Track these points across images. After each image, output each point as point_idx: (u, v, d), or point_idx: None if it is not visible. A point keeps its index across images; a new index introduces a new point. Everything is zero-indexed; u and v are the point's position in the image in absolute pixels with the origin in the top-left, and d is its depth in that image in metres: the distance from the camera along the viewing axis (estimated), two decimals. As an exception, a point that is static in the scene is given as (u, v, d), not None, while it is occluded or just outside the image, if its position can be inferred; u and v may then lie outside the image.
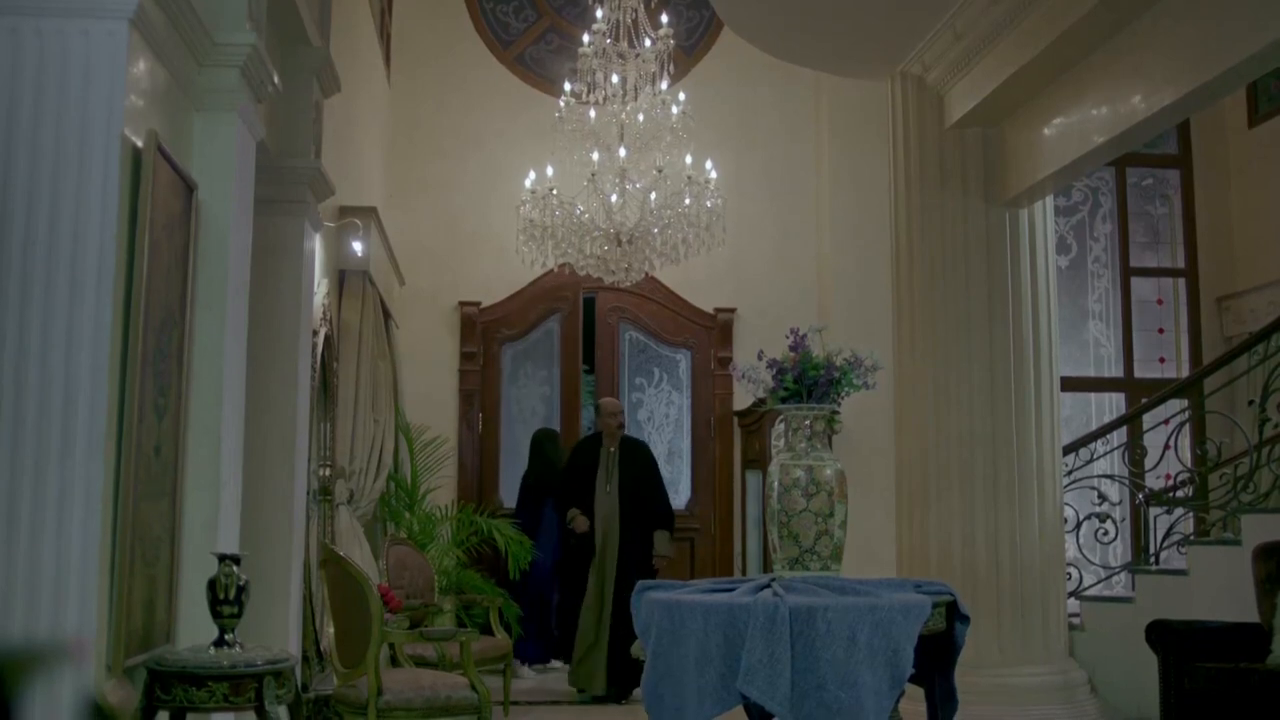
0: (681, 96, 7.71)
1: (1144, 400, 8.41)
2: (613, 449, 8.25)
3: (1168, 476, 7.99)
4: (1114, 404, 10.08)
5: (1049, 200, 7.31)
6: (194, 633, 4.01)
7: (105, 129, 3.52)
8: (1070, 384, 9.10)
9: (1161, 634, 6.08)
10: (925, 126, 7.22)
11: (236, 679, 3.62)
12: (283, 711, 3.75)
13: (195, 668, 3.61)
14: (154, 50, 3.85)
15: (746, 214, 9.90)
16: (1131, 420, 8.23)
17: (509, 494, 9.86)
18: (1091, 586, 7.82)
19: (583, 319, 10.30)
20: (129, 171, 3.63)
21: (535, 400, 10.23)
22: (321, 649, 6.32)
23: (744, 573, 9.61)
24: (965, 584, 6.34)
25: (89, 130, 3.51)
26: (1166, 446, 7.74)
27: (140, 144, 3.70)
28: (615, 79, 7.58)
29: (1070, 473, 7.69)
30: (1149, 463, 7.91)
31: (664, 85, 7.64)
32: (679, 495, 10.15)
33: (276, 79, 4.74)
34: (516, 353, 10.27)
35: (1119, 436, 8.27)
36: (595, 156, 7.58)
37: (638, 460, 8.27)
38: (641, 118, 7.61)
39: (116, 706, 1.19)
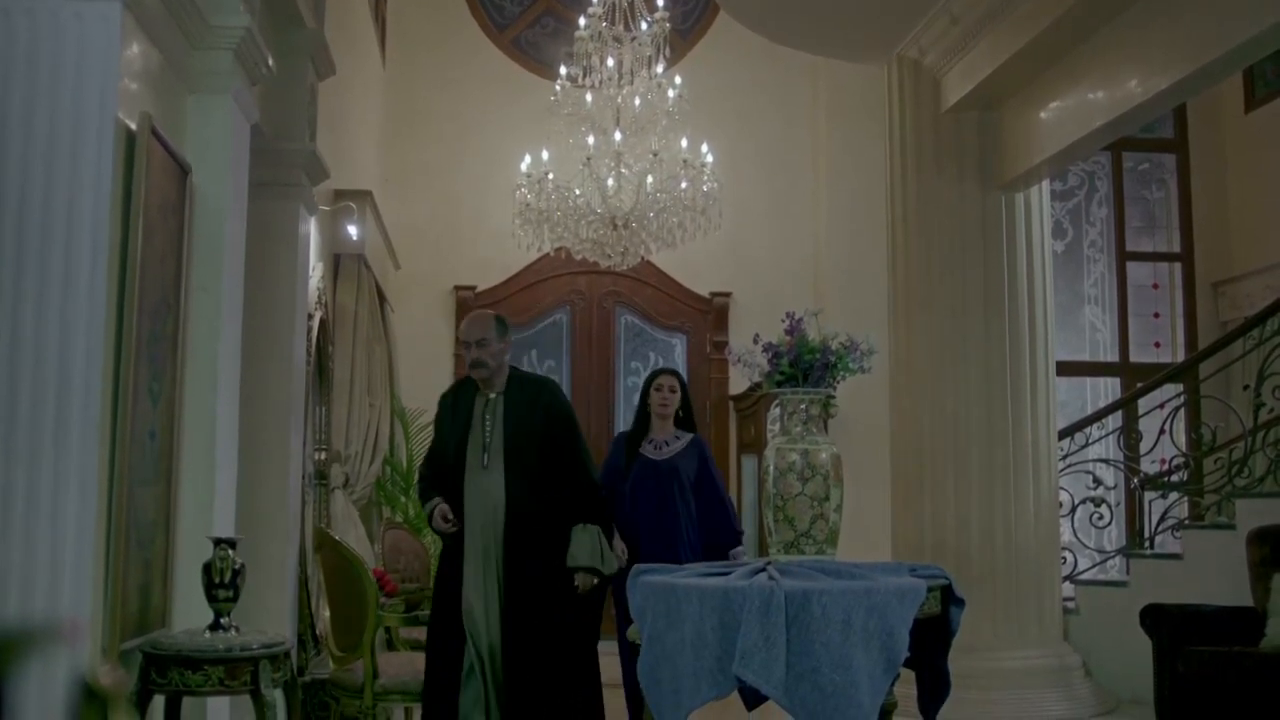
0: (678, 80, 7.69)
1: (1139, 385, 8.42)
2: (492, 396, 5.01)
3: (1163, 461, 8.01)
4: (1109, 388, 10.10)
5: (1045, 184, 7.30)
6: (190, 617, 4.01)
7: (99, 111, 3.51)
8: (1066, 368, 9.11)
9: (1156, 618, 6.10)
10: (922, 110, 7.21)
11: (232, 663, 3.62)
12: (278, 695, 3.75)
13: (191, 651, 3.61)
14: (147, 32, 3.83)
15: (743, 198, 9.88)
16: (1127, 405, 8.24)
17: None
18: (1086, 570, 7.83)
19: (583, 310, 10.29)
20: (123, 154, 3.61)
21: (542, 388, 10.21)
22: (317, 633, 6.33)
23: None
24: (960, 568, 6.35)
25: (82, 112, 3.49)
26: (1162, 431, 7.75)
27: (134, 126, 3.69)
28: (611, 62, 7.56)
29: (1065, 457, 7.69)
30: (1144, 447, 7.93)
31: (660, 69, 7.62)
32: (675, 479, 10.13)
33: (271, 62, 4.73)
34: (519, 340, 10.25)
35: (1114, 421, 8.28)
36: (591, 140, 7.57)
37: (538, 411, 4.99)
38: (637, 101, 7.60)
39: (109, 689, 1.18)
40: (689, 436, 5.95)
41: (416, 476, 5.38)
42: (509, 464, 4.91)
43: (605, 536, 5.04)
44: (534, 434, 4.96)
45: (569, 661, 4.90)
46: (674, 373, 6.07)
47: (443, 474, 5.00)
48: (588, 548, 4.92)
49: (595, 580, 4.95)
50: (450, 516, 4.86)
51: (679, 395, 5.95)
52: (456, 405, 5.10)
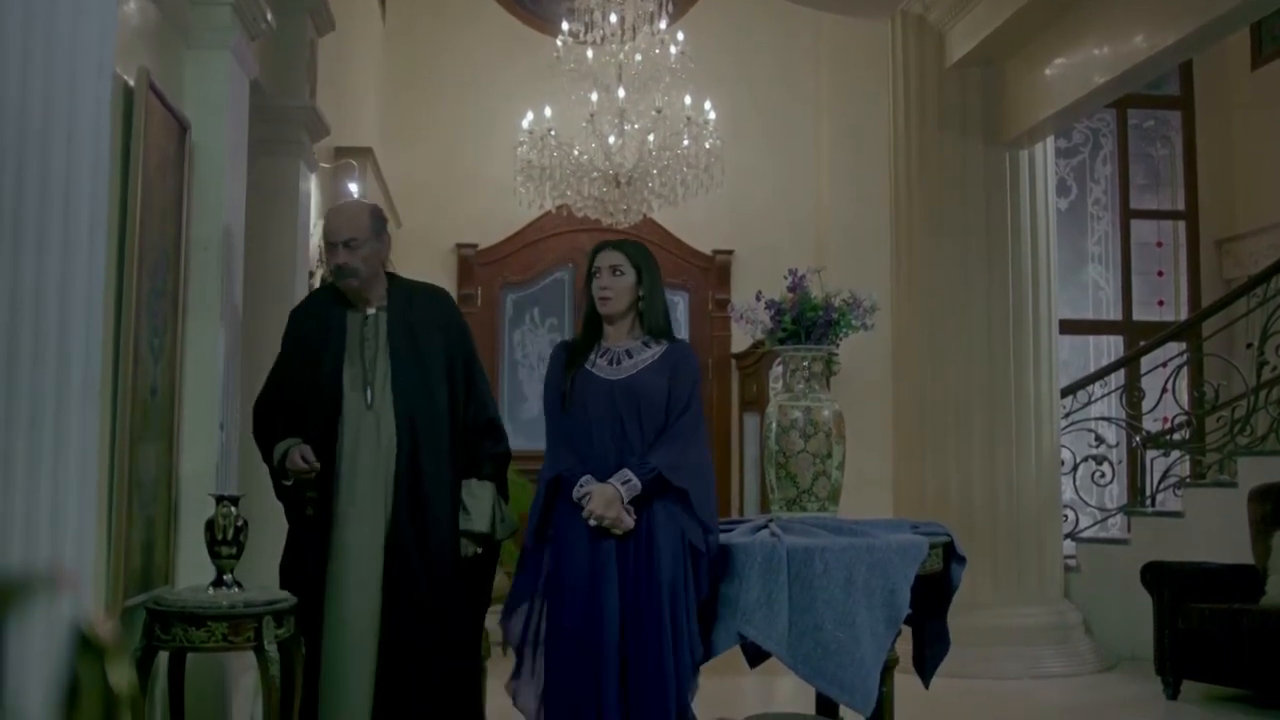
0: (680, 36, 7.64)
1: (1142, 343, 8.41)
2: (371, 312, 3.87)
3: (1165, 419, 8.01)
4: (1112, 347, 10.08)
5: (1049, 141, 7.26)
6: (193, 574, 4.01)
7: (96, 67, 3.45)
8: (1069, 326, 9.09)
9: (1157, 575, 6.12)
10: (925, 67, 7.16)
11: (235, 619, 3.63)
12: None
13: (195, 607, 3.62)
14: (145, -14, 3.79)
15: (745, 155, 9.83)
16: (1129, 363, 8.23)
17: (511, 436, 9.87)
18: (1088, 528, 7.85)
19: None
20: (121, 110, 3.58)
21: (544, 345, 10.19)
22: (321, 590, 6.34)
23: (741, 514, 9.65)
24: (962, 525, 6.34)
25: (79, 68, 3.44)
26: (1164, 389, 7.75)
27: (132, 82, 3.66)
28: (614, 18, 7.51)
29: (1068, 415, 7.70)
30: (1146, 405, 7.93)
31: (662, 25, 7.57)
32: (677, 438, 10.13)
33: (270, 17, 4.68)
34: (520, 298, 10.24)
35: (1117, 379, 8.28)
36: (594, 97, 7.53)
37: (434, 331, 3.90)
38: (639, 58, 7.55)
39: (107, 641, 1.18)
40: (663, 346, 3.81)
41: (263, 398, 4.01)
42: (400, 402, 3.76)
43: (501, 494, 3.93)
44: (432, 361, 3.82)
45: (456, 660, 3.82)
46: (623, 245, 3.86)
47: (290, 416, 3.83)
48: (487, 510, 3.80)
49: (480, 550, 3.84)
50: (312, 458, 3.70)
51: (631, 279, 3.78)
52: (323, 325, 3.87)
